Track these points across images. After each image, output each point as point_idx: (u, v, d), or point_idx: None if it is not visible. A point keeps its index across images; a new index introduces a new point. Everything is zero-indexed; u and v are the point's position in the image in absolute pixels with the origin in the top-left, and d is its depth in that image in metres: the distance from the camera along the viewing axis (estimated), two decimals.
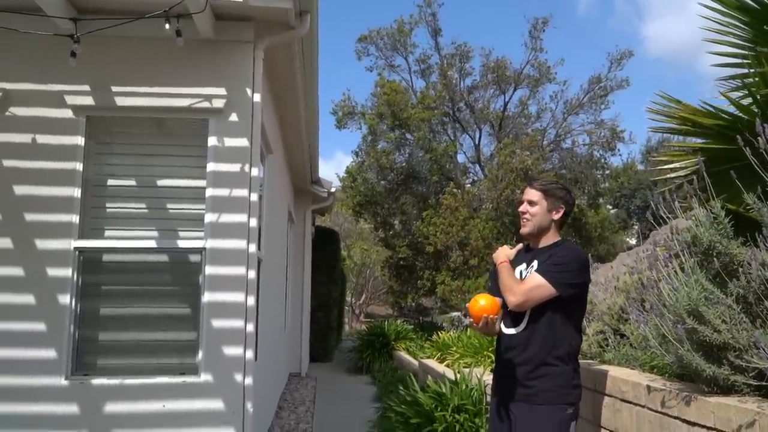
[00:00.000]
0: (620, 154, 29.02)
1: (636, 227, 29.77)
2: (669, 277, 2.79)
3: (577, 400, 2.75)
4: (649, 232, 6.19)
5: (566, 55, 54.86)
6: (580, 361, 2.85)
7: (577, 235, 20.11)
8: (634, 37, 62.01)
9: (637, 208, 29.65)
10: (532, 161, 16.21)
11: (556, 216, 2.90)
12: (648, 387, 2.75)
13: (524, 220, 2.94)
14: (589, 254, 3.46)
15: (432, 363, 7.90)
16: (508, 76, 19.41)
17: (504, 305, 2.84)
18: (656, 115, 3.71)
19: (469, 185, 19.20)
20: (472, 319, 2.77)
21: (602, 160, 19.94)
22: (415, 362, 9.28)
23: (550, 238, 2.92)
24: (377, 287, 30.83)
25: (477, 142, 20.06)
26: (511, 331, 2.87)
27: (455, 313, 20.23)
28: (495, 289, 2.93)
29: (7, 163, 4.30)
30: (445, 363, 7.80)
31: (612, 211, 28.46)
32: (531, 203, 2.92)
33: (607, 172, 21.43)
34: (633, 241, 27.06)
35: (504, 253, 2.96)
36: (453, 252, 15.74)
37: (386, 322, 13.82)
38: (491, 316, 2.72)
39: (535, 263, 2.86)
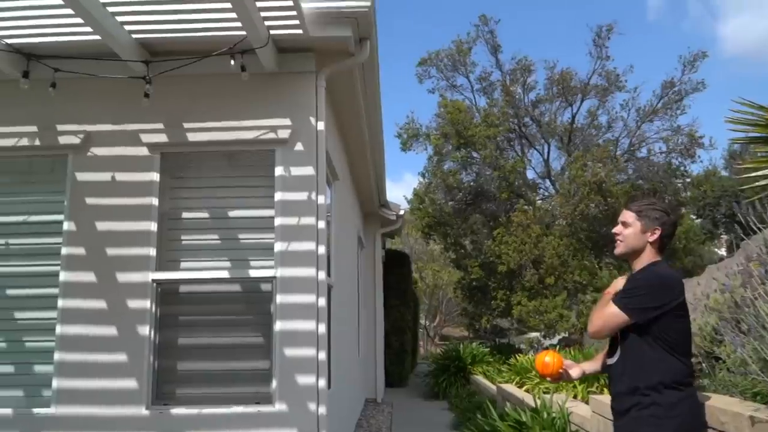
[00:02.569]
0: (701, 161, 27.71)
1: (724, 237, 28.24)
2: (767, 296, 2.57)
3: (678, 430, 2.54)
4: (739, 242, 5.80)
5: (638, 61, 53.30)
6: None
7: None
8: (710, 37, 59.59)
9: (724, 217, 28.15)
10: (605, 173, 15.69)
11: (651, 238, 2.78)
12: (751, 418, 2.52)
13: (617, 242, 2.87)
14: (674, 269, 3.24)
15: (510, 388, 7.67)
16: (574, 87, 18.93)
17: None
18: (737, 125, 3.47)
19: (540, 201, 18.77)
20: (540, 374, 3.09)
21: (681, 168, 19.07)
22: (493, 387, 9.05)
23: (644, 261, 2.79)
24: (451, 309, 30.48)
25: (546, 157, 19.63)
26: (611, 361, 2.83)
27: (533, 334, 19.71)
28: None
29: (90, 200, 4.51)
30: (524, 388, 7.56)
31: (696, 221, 27.14)
32: (624, 224, 2.84)
33: (688, 180, 20.45)
34: (723, 252, 25.67)
35: (614, 285, 2.92)
36: (527, 271, 15.37)
37: (461, 345, 13.59)
38: (556, 370, 2.93)
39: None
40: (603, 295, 2.90)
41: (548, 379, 3.05)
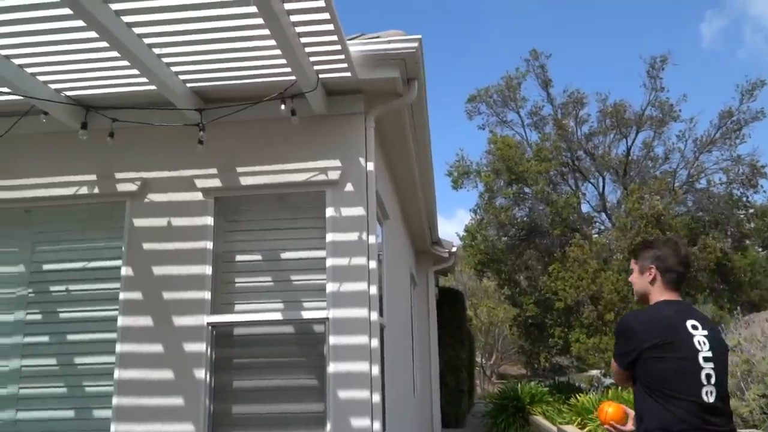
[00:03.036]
0: (764, 191, 26.64)
1: None
2: None
3: None
4: None
5: (693, 91, 51.88)
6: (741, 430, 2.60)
7: (724, 282, 18.46)
8: None
9: None
10: (663, 206, 15.24)
11: (649, 277, 2.73)
12: None
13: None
14: (740, 303, 3.05)
15: (572, 430, 7.37)
16: (628, 119, 18.64)
17: None
18: None
19: (596, 235, 18.33)
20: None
21: (744, 199, 18.38)
22: (554, 428, 8.72)
23: (651, 303, 2.75)
24: (507, 346, 29.83)
25: (601, 190, 19.28)
26: None
27: (593, 372, 19.02)
28: None
29: (147, 246, 4.62)
30: (586, 429, 7.26)
31: (762, 253, 25.93)
32: (630, 272, 2.90)
33: (751, 211, 19.66)
34: None
35: None
36: (585, 307, 14.94)
37: (519, 384, 13.23)
38: (609, 421, 2.79)
39: None
40: None
41: (606, 426, 2.91)
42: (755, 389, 3.63)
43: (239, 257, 4.68)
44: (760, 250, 26.08)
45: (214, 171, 4.68)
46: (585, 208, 19.25)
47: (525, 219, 18.00)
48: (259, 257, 4.65)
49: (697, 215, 17.51)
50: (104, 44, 3.63)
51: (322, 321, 4.39)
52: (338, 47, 3.91)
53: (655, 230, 14.81)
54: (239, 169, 4.67)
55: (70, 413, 4.50)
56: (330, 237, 4.48)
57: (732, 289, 18.56)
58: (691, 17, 51.44)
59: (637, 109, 18.75)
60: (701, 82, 49.79)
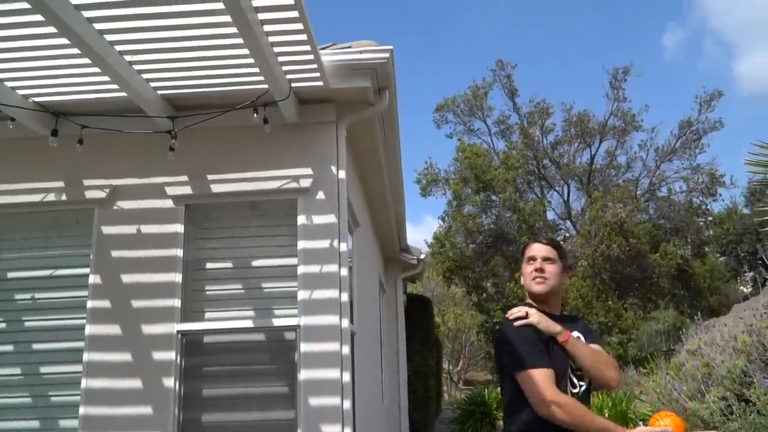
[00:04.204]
0: (722, 199, 27.45)
1: (748, 274, 27.73)
2: None
3: None
4: (765, 281, 5.72)
5: (656, 102, 53.19)
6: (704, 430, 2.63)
7: (685, 288, 18.94)
8: (727, 76, 59.43)
9: (747, 254, 27.72)
10: (626, 213, 15.60)
11: (565, 279, 2.67)
12: None
13: (541, 279, 2.56)
14: (700, 308, 3.17)
15: None
16: (592, 128, 19.07)
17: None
18: (756, 167, 3.48)
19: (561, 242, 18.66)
20: None
21: (703, 207, 18.95)
22: None
23: (559, 305, 2.62)
24: (474, 352, 30.02)
25: (566, 198, 19.64)
26: (575, 390, 2.53)
27: None
28: (560, 363, 2.47)
29: (115, 253, 4.57)
30: None
31: (720, 260, 26.69)
32: (548, 260, 2.57)
33: (710, 218, 20.28)
34: (748, 288, 25.15)
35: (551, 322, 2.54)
36: None
37: (486, 390, 13.36)
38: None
39: (576, 334, 2.55)
40: (571, 337, 2.51)
41: None
42: (715, 392, 3.77)
43: (210, 265, 4.67)
44: (719, 256, 26.87)
45: (185, 178, 4.66)
46: (550, 215, 19.65)
47: (492, 226, 18.24)
48: (230, 265, 4.65)
49: (658, 223, 17.97)
50: (75, 50, 3.60)
51: (293, 328, 4.40)
52: (311, 57, 3.95)
53: (618, 237, 15.15)
54: (210, 177, 4.66)
55: (36, 423, 4.41)
56: (301, 244, 4.50)
57: (692, 295, 19.08)
58: (653, 29, 52.82)
59: (601, 119, 19.24)
60: (663, 93, 51.12)
